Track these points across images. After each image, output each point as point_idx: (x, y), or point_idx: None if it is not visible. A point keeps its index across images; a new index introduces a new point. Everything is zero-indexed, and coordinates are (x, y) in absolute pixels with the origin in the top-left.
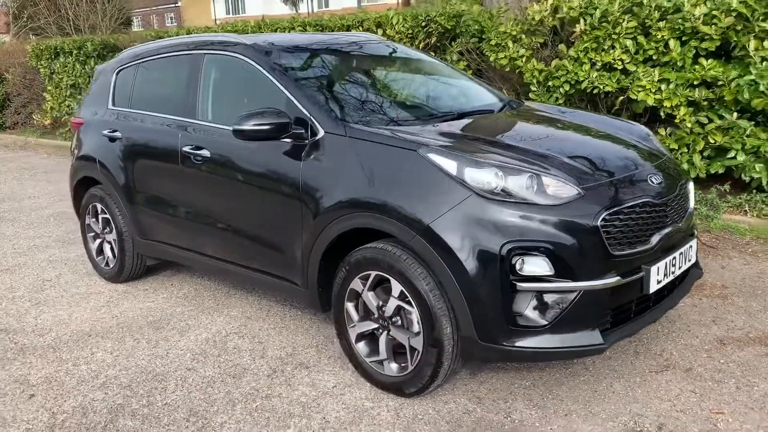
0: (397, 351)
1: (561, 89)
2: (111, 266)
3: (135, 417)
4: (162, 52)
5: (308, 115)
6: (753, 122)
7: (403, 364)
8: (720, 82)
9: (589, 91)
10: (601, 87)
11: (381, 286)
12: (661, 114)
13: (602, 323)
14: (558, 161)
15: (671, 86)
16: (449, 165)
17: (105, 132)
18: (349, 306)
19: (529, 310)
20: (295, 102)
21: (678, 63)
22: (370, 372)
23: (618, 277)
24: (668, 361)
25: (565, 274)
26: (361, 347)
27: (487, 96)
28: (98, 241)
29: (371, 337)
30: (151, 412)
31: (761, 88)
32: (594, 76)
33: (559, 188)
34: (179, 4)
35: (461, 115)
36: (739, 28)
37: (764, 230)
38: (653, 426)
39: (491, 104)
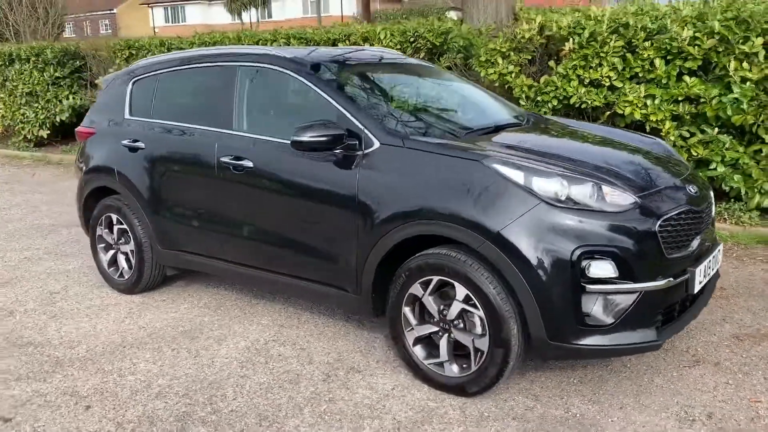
0: (456, 353)
1: (549, 104)
2: (126, 277)
3: (205, 423)
4: (186, 63)
5: (361, 127)
6: (731, 136)
7: (464, 365)
8: (702, 99)
9: (576, 105)
10: (589, 102)
11: (440, 290)
12: (647, 127)
13: (656, 321)
14: (612, 172)
15: (656, 101)
16: (516, 175)
17: (124, 142)
18: (407, 310)
19: (596, 311)
20: (348, 114)
21: (663, 80)
22: (428, 374)
23: (671, 279)
24: (696, 356)
25: (628, 276)
26: (419, 350)
27: (510, 110)
28: (111, 252)
29: (428, 340)
30: (220, 419)
31: (743, 105)
32: (582, 91)
33: (618, 196)
34: (114, 11)
35: (498, 128)
36: (720, 49)
37: (743, 236)
38: (703, 415)
39: (518, 117)
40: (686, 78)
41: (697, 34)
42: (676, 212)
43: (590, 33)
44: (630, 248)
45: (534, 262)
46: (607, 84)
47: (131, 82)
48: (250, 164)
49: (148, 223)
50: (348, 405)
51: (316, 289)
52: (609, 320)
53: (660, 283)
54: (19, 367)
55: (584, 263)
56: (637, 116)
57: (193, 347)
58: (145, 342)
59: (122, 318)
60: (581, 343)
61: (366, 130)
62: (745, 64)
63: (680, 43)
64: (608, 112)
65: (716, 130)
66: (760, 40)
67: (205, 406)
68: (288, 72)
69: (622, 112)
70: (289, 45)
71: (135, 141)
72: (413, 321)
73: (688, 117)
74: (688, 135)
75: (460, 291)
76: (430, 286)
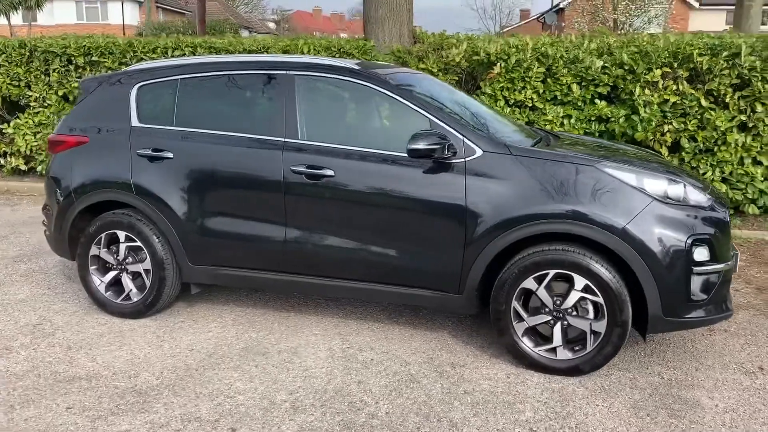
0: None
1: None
2: (135, 300)
3: (375, 428)
4: (218, 70)
5: (460, 136)
6: None
7: (576, 348)
8: (612, 119)
9: None
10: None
11: (551, 282)
12: None
13: (727, 295)
14: (677, 175)
15: (572, 120)
16: (628, 177)
17: (141, 151)
18: (517, 304)
19: (697, 289)
20: (443, 124)
21: (578, 102)
22: (539, 361)
23: (733, 260)
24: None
25: (714, 259)
26: (527, 341)
27: (517, 123)
28: (111, 273)
29: (533, 331)
30: (384, 422)
31: (651, 126)
32: (507, 111)
33: (697, 195)
34: None
35: (547, 140)
36: (628, 77)
37: None
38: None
39: (540, 130)
40: (597, 101)
41: (606, 64)
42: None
43: (516, 60)
44: (716, 235)
45: (656, 251)
46: (530, 105)
47: (135, 87)
48: (330, 173)
49: (176, 239)
50: (485, 394)
51: (410, 293)
52: (704, 296)
53: (729, 263)
54: (96, 403)
55: (693, 250)
56: None
57: (274, 362)
58: (215, 362)
59: (157, 342)
60: (688, 317)
61: (466, 139)
62: (647, 90)
63: (594, 72)
64: None
65: None
66: (659, 72)
67: (356, 413)
68: (370, 85)
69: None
70: (195, 53)
71: (158, 150)
72: (524, 313)
73: (597, 134)
74: None
75: (579, 281)
76: (546, 280)
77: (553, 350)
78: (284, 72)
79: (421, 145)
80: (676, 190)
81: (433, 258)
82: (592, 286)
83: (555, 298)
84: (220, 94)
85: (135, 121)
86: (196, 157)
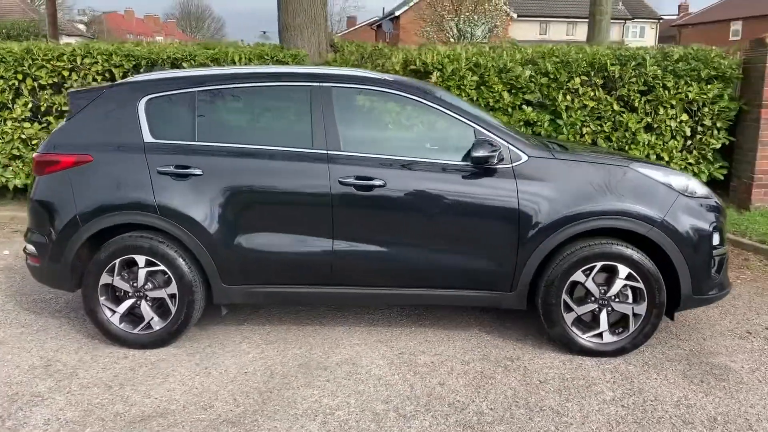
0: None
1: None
2: (158, 328)
3: (494, 424)
4: (243, 81)
5: (505, 143)
6: None
7: (618, 330)
8: (538, 123)
9: None
10: None
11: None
12: None
13: (726, 274)
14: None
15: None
16: (657, 175)
17: (163, 168)
18: (566, 297)
19: (714, 270)
20: (488, 133)
21: (509, 109)
22: (588, 346)
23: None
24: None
25: (722, 243)
26: (576, 329)
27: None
28: (127, 302)
29: (579, 319)
30: (497, 417)
31: (572, 129)
32: None
33: (701, 188)
34: None
35: (565, 147)
36: (552, 85)
37: None
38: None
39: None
40: (525, 107)
41: (533, 73)
42: None
43: (452, 69)
44: (722, 221)
45: (688, 239)
46: None
47: (143, 101)
48: (380, 183)
49: (209, 259)
50: (559, 381)
51: (463, 294)
52: (718, 276)
53: (727, 246)
54: None
55: (713, 235)
56: None
57: (341, 374)
58: (283, 382)
59: (202, 370)
60: (710, 294)
61: (510, 146)
62: (569, 97)
63: (522, 81)
64: None
65: None
66: (578, 80)
67: (462, 412)
68: (410, 97)
69: None
70: (110, 61)
71: (182, 167)
72: (573, 304)
73: None
74: None
75: (623, 271)
76: (594, 272)
77: (600, 335)
78: (319, 84)
79: (482, 153)
80: (692, 184)
81: (487, 260)
82: (634, 274)
83: (600, 288)
84: (247, 106)
85: (148, 137)
86: (230, 172)
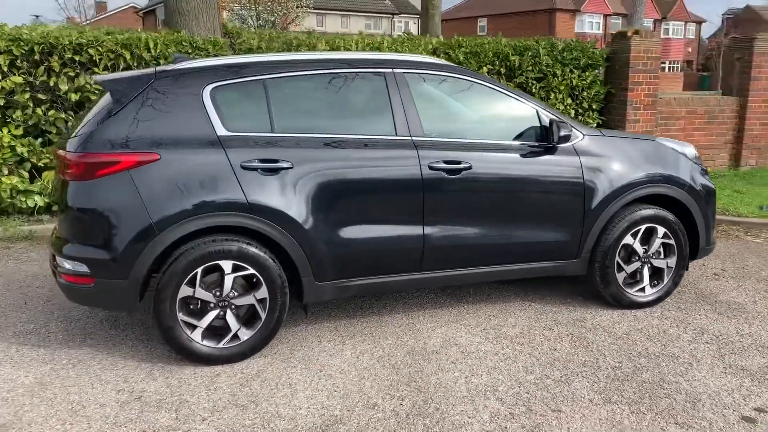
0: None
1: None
2: (246, 338)
3: (637, 372)
4: (312, 68)
5: (567, 123)
6: None
7: (654, 282)
8: None
9: None
10: None
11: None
12: None
13: None
14: None
15: None
16: (676, 146)
17: (247, 162)
18: (618, 259)
19: (713, 224)
20: (550, 114)
21: None
22: (636, 300)
23: None
24: None
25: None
26: (625, 287)
27: None
28: (211, 314)
29: (627, 277)
30: (627, 372)
31: None
32: None
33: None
34: None
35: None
36: None
37: None
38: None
39: None
40: None
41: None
42: None
43: None
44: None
45: (704, 197)
46: None
47: (206, 90)
48: (467, 165)
49: (303, 257)
50: (644, 333)
51: (536, 266)
52: (713, 229)
53: None
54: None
55: (712, 195)
56: None
57: (456, 354)
58: (415, 372)
59: (319, 374)
60: (712, 244)
61: (571, 126)
62: None
63: None
64: None
65: None
66: (485, 69)
67: (601, 369)
68: (482, 83)
69: None
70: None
71: (269, 161)
72: (624, 265)
73: None
74: None
75: (660, 230)
76: (640, 234)
77: (642, 289)
78: (392, 70)
79: (565, 132)
80: (695, 153)
81: (560, 231)
82: (669, 233)
83: (643, 248)
84: (321, 93)
85: (221, 130)
86: (321, 163)
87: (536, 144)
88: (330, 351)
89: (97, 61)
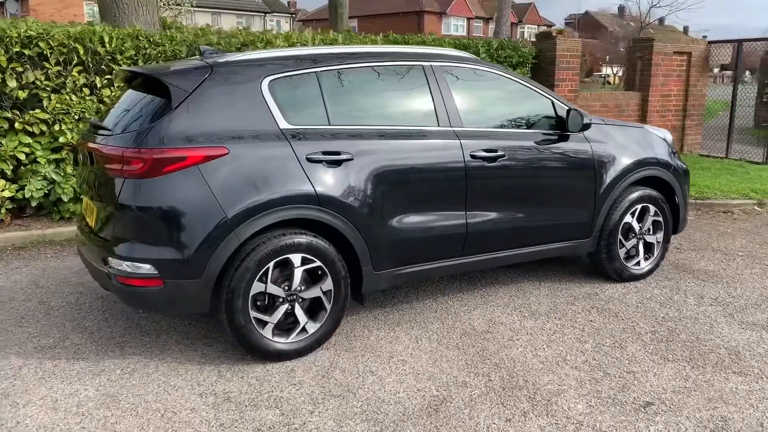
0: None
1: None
2: (313, 331)
3: (672, 333)
4: (358, 61)
5: (577, 112)
6: None
7: (647, 257)
8: None
9: None
10: None
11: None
12: None
13: None
14: None
15: None
16: (659, 132)
17: (311, 155)
18: (620, 236)
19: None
20: (563, 104)
21: None
22: (634, 272)
23: None
24: None
25: None
26: (625, 261)
27: None
28: (282, 309)
29: (627, 252)
30: (661, 336)
31: None
32: None
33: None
34: None
35: None
36: None
37: None
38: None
39: None
40: None
41: None
42: None
43: None
44: None
45: (683, 177)
46: None
47: (264, 83)
48: (502, 153)
49: (364, 247)
50: (658, 300)
51: (554, 247)
52: None
53: None
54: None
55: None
56: None
57: (507, 333)
58: (499, 349)
59: (401, 361)
60: (687, 219)
61: (580, 114)
62: None
63: None
64: None
65: None
66: None
67: (657, 332)
68: (506, 76)
69: None
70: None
71: (332, 153)
72: (624, 242)
73: None
74: None
75: (652, 209)
76: (636, 214)
77: (638, 263)
78: (430, 63)
79: (587, 120)
80: (671, 138)
81: (579, 213)
82: (657, 210)
83: (638, 225)
84: (368, 86)
85: (283, 123)
86: (376, 154)
87: (552, 132)
88: (387, 339)
89: (48, 55)
